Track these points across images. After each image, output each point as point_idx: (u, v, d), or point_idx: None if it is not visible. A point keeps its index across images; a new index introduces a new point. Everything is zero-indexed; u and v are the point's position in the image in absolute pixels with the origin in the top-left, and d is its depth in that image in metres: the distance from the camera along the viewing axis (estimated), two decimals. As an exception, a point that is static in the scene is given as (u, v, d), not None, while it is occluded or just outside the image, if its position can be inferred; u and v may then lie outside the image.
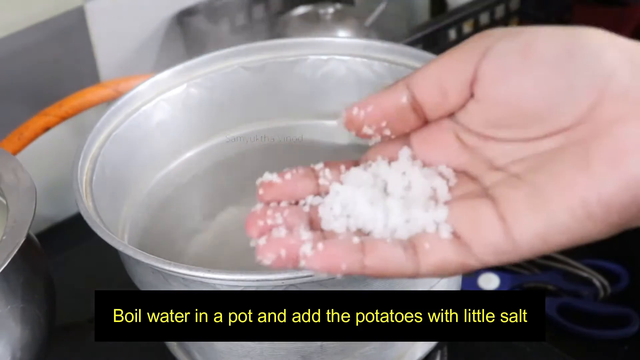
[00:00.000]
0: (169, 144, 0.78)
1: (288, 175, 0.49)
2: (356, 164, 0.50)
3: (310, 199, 0.48)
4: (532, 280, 0.88)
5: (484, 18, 1.04)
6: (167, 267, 0.57)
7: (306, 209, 0.48)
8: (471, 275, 0.88)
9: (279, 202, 0.48)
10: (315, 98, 0.80)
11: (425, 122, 0.48)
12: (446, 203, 0.46)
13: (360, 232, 0.46)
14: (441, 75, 0.46)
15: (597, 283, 0.86)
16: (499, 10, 1.05)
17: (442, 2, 1.17)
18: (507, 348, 0.76)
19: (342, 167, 0.49)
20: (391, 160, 0.49)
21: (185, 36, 1.03)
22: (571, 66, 0.42)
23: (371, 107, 0.47)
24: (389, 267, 0.44)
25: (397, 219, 0.45)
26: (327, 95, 0.80)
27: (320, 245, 0.44)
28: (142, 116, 0.75)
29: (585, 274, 0.87)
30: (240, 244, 0.77)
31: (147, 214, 0.75)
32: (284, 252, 0.44)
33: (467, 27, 1.02)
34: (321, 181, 0.49)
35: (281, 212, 0.47)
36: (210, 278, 0.57)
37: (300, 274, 0.55)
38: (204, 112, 0.79)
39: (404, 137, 0.49)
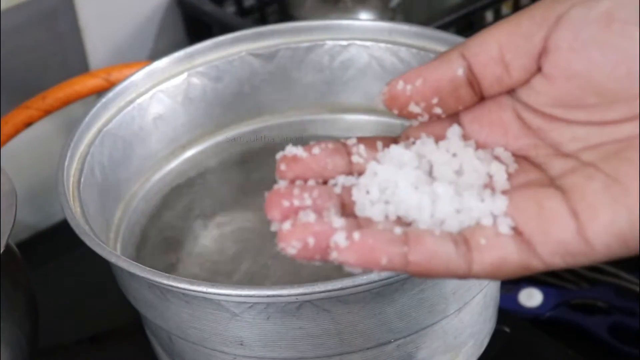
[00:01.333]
0: (167, 142, 0.78)
1: (316, 149, 0.46)
2: (395, 141, 0.48)
3: (341, 179, 0.46)
4: (579, 297, 0.88)
5: (525, -4, 1.05)
6: (165, 281, 0.57)
7: (337, 190, 0.45)
8: (511, 291, 0.88)
9: (305, 181, 0.45)
10: (332, 89, 0.80)
11: (480, 98, 0.46)
12: (504, 192, 0.44)
13: (400, 221, 0.44)
14: (504, 45, 0.44)
15: (653, 299, 0.86)
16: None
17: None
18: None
19: (379, 144, 0.47)
20: (438, 139, 0.47)
21: (186, 19, 1.03)
22: None
23: (420, 80, 0.45)
24: (436, 264, 0.42)
25: (447, 207, 0.43)
26: (347, 86, 0.80)
27: (356, 235, 0.42)
28: (137, 110, 0.75)
29: (639, 289, 0.87)
30: (248, 254, 0.78)
31: (142, 221, 0.75)
32: (313, 240, 0.42)
33: (505, 8, 1.02)
34: (354, 159, 0.46)
35: (309, 192, 0.44)
36: (215, 293, 0.56)
37: (317, 288, 0.55)
38: (207, 105, 0.79)
39: (453, 114, 0.47)
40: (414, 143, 0.47)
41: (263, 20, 1.08)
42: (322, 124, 0.81)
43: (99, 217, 0.68)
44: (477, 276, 0.43)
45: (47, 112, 0.84)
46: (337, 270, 0.73)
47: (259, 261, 0.77)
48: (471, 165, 0.45)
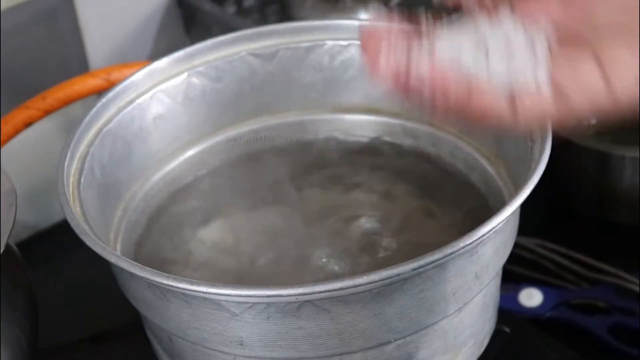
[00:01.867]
0: (168, 142, 0.78)
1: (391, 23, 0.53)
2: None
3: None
4: (579, 297, 0.88)
5: None
6: (165, 281, 0.57)
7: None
8: (511, 291, 0.88)
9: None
10: (332, 89, 0.80)
11: None
12: (546, 55, 0.50)
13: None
14: None
15: (654, 299, 0.85)
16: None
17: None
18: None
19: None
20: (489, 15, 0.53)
21: (186, 19, 1.03)
22: None
23: None
24: (490, 110, 0.50)
25: (498, 66, 0.50)
26: (347, 86, 0.80)
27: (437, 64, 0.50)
28: (137, 110, 0.75)
29: (639, 289, 0.86)
30: (249, 254, 0.77)
31: (142, 221, 0.75)
32: (402, 69, 0.49)
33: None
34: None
35: (398, 34, 0.51)
36: (215, 293, 0.56)
37: (317, 288, 0.55)
38: (207, 105, 0.79)
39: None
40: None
41: (263, 20, 1.08)
42: (322, 124, 0.81)
43: (99, 217, 0.68)
44: (522, 124, 0.50)
45: (47, 112, 0.84)
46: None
47: (259, 260, 0.77)
48: (516, 32, 0.51)
